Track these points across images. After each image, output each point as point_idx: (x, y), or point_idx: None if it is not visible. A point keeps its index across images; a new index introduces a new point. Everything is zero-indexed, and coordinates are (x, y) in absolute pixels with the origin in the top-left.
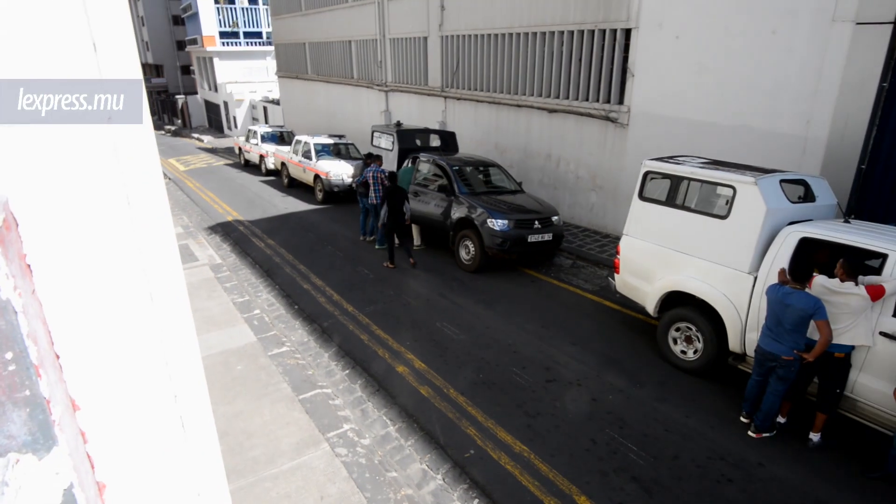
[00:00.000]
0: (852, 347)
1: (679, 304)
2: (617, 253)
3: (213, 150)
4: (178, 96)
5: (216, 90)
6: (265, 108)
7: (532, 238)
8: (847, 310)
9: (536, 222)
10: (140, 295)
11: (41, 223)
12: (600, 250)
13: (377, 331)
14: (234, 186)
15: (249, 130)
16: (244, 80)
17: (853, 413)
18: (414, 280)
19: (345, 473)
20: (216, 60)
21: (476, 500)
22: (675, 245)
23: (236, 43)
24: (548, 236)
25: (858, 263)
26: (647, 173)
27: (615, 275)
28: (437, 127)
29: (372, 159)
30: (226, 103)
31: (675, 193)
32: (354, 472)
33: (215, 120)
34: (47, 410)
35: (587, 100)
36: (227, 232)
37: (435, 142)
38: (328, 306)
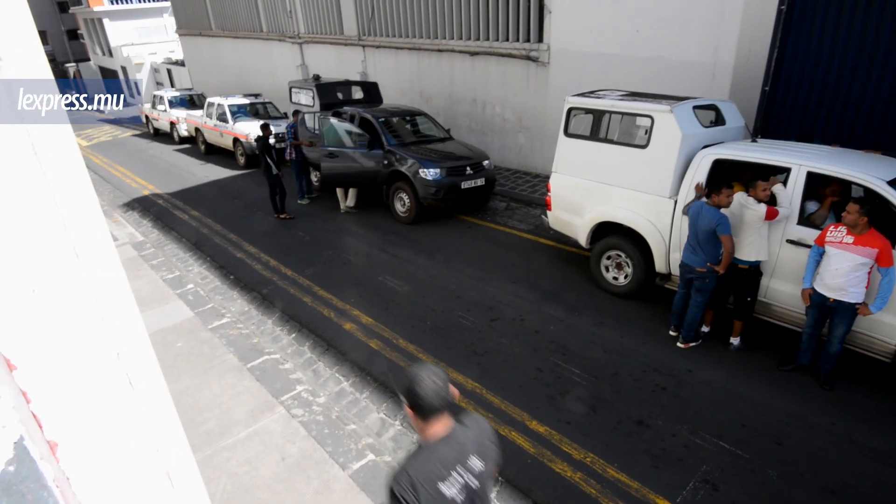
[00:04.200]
0: (757, 262)
1: (608, 233)
2: (548, 191)
3: (116, 122)
4: (67, 65)
5: (111, 55)
6: (169, 71)
7: (465, 184)
8: (743, 225)
9: (468, 168)
10: (65, 252)
11: None
12: (532, 190)
13: (320, 291)
14: (146, 158)
15: (155, 96)
16: (142, 41)
17: (768, 316)
18: (352, 237)
19: (303, 432)
20: (106, 21)
21: None
22: (602, 178)
23: (127, 0)
24: (480, 181)
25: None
26: (570, 109)
27: (548, 212)
28: (357, 78)
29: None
30: (124, 68)
31: (598, 127)
32: (313, 429)
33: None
34: None
35: (507, 40)
36: (146, 207)
37: (357, 94)
38: (266, 273)
